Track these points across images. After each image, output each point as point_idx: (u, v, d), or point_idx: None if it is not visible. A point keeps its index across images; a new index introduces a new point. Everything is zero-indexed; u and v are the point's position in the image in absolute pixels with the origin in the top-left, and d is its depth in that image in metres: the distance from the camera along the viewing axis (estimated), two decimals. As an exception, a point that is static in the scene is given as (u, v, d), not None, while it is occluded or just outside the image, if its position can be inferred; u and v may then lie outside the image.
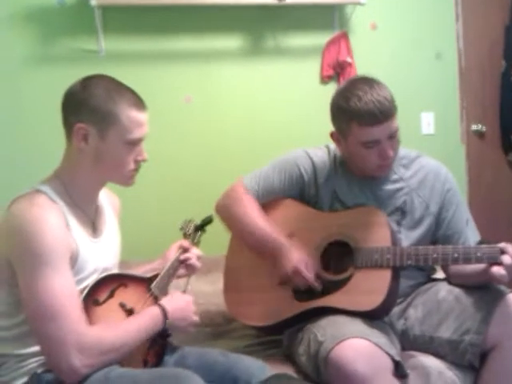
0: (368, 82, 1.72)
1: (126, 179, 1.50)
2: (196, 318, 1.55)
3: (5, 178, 2.47)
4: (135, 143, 1.44)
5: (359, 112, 1.67)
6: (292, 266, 1.73)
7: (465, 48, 3.12)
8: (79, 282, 1.38)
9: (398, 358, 1.54)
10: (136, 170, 1.49)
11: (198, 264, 1.65)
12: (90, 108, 1.40)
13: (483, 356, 1.62)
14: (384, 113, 1.66)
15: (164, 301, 1.49)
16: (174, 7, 2.66)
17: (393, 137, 1.72)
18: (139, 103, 1.45)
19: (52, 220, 1.32)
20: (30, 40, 2.54)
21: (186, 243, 1.66)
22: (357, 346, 1.50)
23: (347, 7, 2.91)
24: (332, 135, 1.83)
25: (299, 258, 1.73)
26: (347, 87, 1.75)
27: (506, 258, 1.54)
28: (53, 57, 2.57)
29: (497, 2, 3.12)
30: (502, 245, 1.58)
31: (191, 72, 2.76)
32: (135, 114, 1.42)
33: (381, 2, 2.95)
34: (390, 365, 1.52)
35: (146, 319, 1.41)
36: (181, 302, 1.52)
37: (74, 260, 1.37)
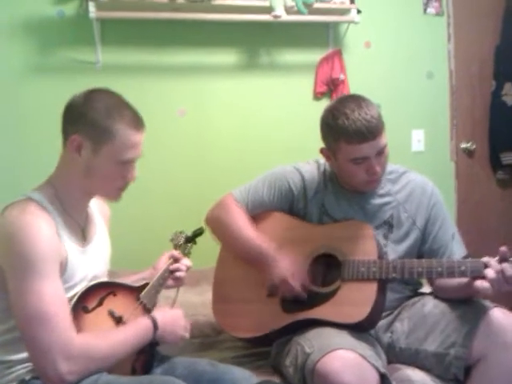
0: (356, 100, 1.75)
1: (111, 195, 1.52)
2: (185, 333, 1.56)
3: (1, 184, 2.47)
4: (126, 163, 1.45)
5: (347, 130, 1.70)
6: (279, 276, 1.75)
7: (456, 68, 3.17)
8: (68, 289, 1.39)
9: (383, 371, 1.56)
10: (124, 187, 1.50)
11: (185, 277, 1.66)
12: (88, 121, 1.41)
13: (468, 369, 1.63)
14: (371, 131, 1.70)
15: (155, 313, 1.50)
16: (171, 22, 2.69)
17: (380, 153, 1.75)
18: (138, 124, 1.46)
19: (43, 228, 1.33)
20: (29, 50, 2.55)
21: (176, 253, 1.68)
22: (343, 357, 1.52)
23: (342, 25, 2.96)
24: (322, 151, 1.86)
25: (286, 268, 1.76)
26: (335, 106, 1.78)
27: (489, 272, 1.56)
28: (51, 67, 2.58)
29: (487, 24, 3.17)
30: (485, 259, 1.60)
31: (186, 86, 2.78)
32: (131, 135, 1.43)
33: (375, 21, 3.00)
34: (376, 377, 1.53)
35: (137, 330, 1.42)
36: (172, 316, 1.53)
37: (63, 267, 1.39)
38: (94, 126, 1.41)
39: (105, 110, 1.42)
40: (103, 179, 1.46)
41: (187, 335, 1.57)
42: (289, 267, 1.76)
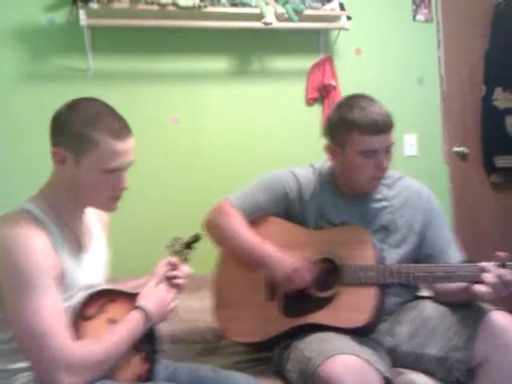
0: (367, 97, 1.80)
1: (104, 206, 1.49)
2: (173, 305, 1.54)
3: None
4: (112, 172, 1.41)
5: (362, 121, 1.72)
6: (287, 269, 1.73)
7: (446, 73, 3.20)
8: (66, 299, 1.38)
9: (387, 375, 1.55)
10: (116, 197, 1.47)
11: (183, 284, 1.63)
12: (69, 133, 1.38)
13: (470, 372, 1.63)
14: (385, 124, 1.73)
15: (142, 300, 1.47)
16: (162, 29, 2.68)
17: (388, 150, 1.77)
18: (121, 132, 1.40)
19: (38, 241, 1.31)
20: (20, 58, 2.54)
21: (174, 260, 1.64)
22: (346, 361, 1.51)
23: (332, 32, 2.98)
24: (327, 148, 1.85)
25: (292, 262, 1.74)
26: (348, 100, 1.81)
27: (487, 277, 1.57)
28: (42, 75, 2.57)
29: (476, 30, 3.21)
30: (483, 264, 1.61)
31: (178, 93, 2.77)
32: (113, 144, 1.38)
33: (365, 28, 3.02)
34: (379, 381, 1.52)
35: (129, 325, 1.41)
36: (157, 296, 1.51)
37: (60, 278, 1.37)
38: (75, 137, 1.38)
39: (85, 119, 1.38)
40: (90, 190, 1.42)
41: (173, 304, 1.55)
42: (294, 261, 1.75)
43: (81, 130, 1.37)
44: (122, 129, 1.41)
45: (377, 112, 1.73)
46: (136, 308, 1.45)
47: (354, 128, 1.73)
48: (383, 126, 1.72)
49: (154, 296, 1.50)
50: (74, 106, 1.42)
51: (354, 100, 1.79)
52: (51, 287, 1.31)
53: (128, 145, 1.42)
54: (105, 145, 1.38)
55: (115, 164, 1.40)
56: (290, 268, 1.73)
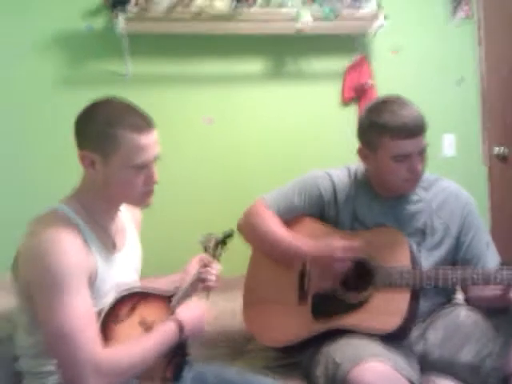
0: (399, 99, 1.76)
1: (138, 202, 1.49)
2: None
3: (31, 196, 2.52)
4: (141, 167, 1.41)
5: (393, 125, 1.69)
6: (324, 257, 1.73)
7: (487, 71, 3.11)
8: (98, 299, 1.39)
9: (416, 382, 1.53)
10: (149, 191, 1.47)
11: (215, 283, 1.63)
12: (91, 136, 1.40)
13: (505, 381, 1.59)
14: (417, 127, 1.70)
15: (180, 313, 1.48)
16: (198, 33, 2.71)
17: (422, 153, 1.73)
18: (142, 126, 1.41)
19: (70, 241, 1.32)
20: (60, 63, 2.61)
21: (206, 258, 1.65)
22: (375, 368, 1.50)
23: (369, 32, 2.93)
24: (359, 151, 1.84)
25: (332, 241, 1.74)
26: (379, 104, 1.78)
27: None
28: (81, 80, 2.63)
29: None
30: None
31: (213, 94, 2.79)
32: (136, 139, 1.39)
33: (402, 27, 2.96)
34: (408, 388, 1.50)
35: (162, 335, 1.41)
36: (196, 312, 1.51)
37: (93, 279, 1.38)
38: (98, 139, 1.39)
39: (105, 119, 1.39)
40: (123, 188, 1.43)
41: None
42: (332, 241, 1.74)
43: (103, 130, 1.39)
44: (142, 123, 1.41)
45: (407, 115, 1.69)
46: (173, 319, 1.45)
47: (384, 132, 1.71)
48: (415, 130, 1.69)
49: (192, 311, 1.51)
50: (91, 110, 1.43)
51: (384, 103, 1.76)
52: (83, 289, 1.32)
53: (151, 138, 1.42)
54: (128, 141, 1.38)
55: (141, 159, 1.40)
56: (329, 248, 1.72)
